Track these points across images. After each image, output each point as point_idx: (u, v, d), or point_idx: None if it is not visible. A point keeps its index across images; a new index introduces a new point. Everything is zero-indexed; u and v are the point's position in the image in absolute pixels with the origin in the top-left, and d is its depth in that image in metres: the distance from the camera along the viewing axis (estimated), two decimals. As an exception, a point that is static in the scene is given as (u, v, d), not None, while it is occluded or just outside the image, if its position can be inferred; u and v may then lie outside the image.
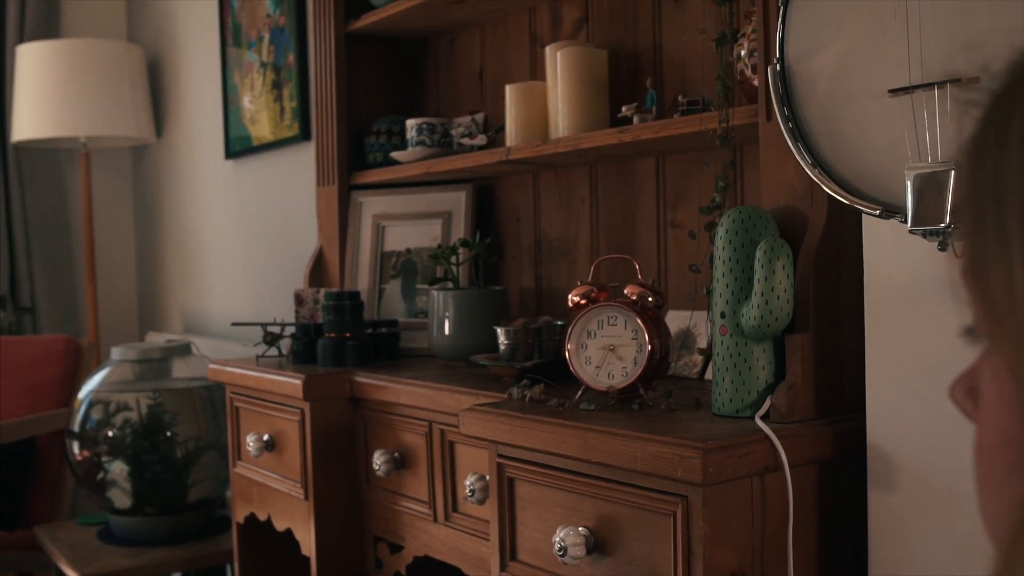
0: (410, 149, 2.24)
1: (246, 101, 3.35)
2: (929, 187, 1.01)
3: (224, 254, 3.56)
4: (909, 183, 1.03)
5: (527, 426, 1.44)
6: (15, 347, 3.40)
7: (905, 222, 1.04)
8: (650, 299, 1.52)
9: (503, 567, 1.52)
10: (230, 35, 3.44)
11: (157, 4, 4.01)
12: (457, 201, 2.29)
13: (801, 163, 1.15)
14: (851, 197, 1.11)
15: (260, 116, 3.27)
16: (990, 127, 0.45)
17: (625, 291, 1.54)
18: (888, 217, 1.07)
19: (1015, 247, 0.41)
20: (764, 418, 1.35)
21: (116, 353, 2.92)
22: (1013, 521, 0.41)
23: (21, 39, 3.90)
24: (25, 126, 3.66)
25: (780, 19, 1.17)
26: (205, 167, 3.67)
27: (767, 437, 1.29)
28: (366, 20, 2.34)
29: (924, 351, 1.23)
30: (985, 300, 0.43)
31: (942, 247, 1.05)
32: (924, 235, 1.03)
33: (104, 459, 2.81)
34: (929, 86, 1.01)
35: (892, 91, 1.05)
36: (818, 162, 1.14)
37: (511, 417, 1.48)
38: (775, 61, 1.17)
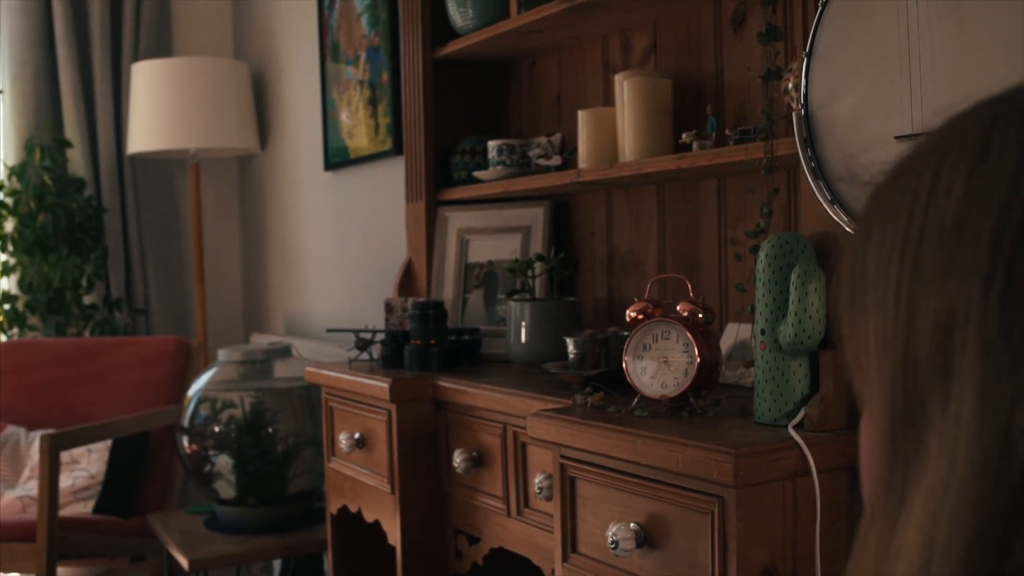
0: (491, 168, 2.41)
1: (344, 116, 3.56)
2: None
3: (322, 261, 3.79)
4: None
5: (585, 430, 1.60)
6: (130, 347, 3.67)
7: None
8: (700, 315, 1.67)
9: (565, 558, 1.68)
10: (329, 53, 3.65)
11: (261, 23, 4.26)
12: (536, 217, 2.46)
13: (820, 199, 1.29)
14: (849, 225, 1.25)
15: (356, 130, 3.47)
16: (862, 218, 0.59)
17: (678, 307, 1.69)
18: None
19: (870, 320, 0.56)
20: (798, 427, 1.49)
21: (222, 354, 3.15)
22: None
23: (136, 58, 4.17)
24: (140, 139, 3.93)
25: (804, 69, 1.30)
26: (305, 178, 3.90)
27: (797, 444, 1.43)
28: (452, 47, 2.51)
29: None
30: (853, 360, 0.58)
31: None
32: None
33: (211, 453, 3.04)
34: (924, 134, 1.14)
35: (898, 137, 1.18)
36: (836, 199, 1.27)
37: (571, 422, 1.64)
38: (799, 107, 1.31)
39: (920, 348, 0.51)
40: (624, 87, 2.07)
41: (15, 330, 3.99)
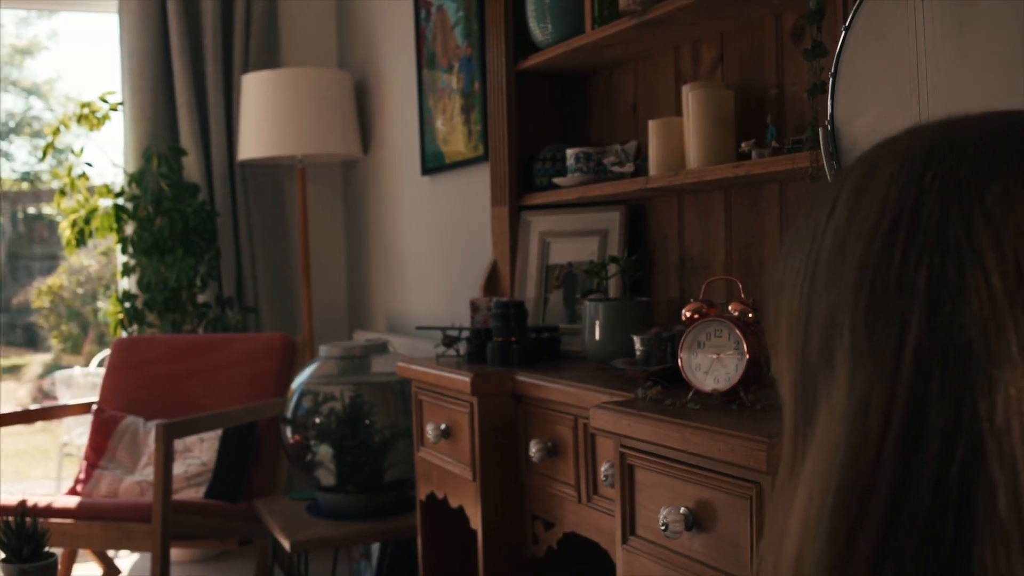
0: (569, 175, 2.56)
1: (439, 123, 3.74)
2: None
3: (420, 261, 3.97)
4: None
5: (641, 422, 1.74)
6: (240, 343, 3.91)
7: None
8: (750, 315, 1.79)
9: (624, 540, 1.82)
10: (425, 62, 3.84)
11: (363, 34, 4.47)
12: (612, 221, 2.60)
13: (844, 209, 1.40)
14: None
15: (451, 137, 3.65)
16: (788, 237, 0.72)
17: (729, 307, 1.81)
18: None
19: (783, 323, 0.69)
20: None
21: (323, 351, 3.35)
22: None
23: (246, 69, 4.42)
24: (250, 146, 4.17)
25: (831, 88, 1.42)
26: (404, 181, 4.10)
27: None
28: (533, 60, 2.66)
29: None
30: (774, 359, 0.71)
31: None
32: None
33: (312, 443, 3.24)
34: (935, 151, 1.26)
35: (910, 153, 1.29)
36: (860, 208, 1.39)
37: (630, 414, 1.77)
38: (826, 123, 1.43)
39: (812, 345, 0.64)
40: (689, 98, 2.19)
41: (134, 327, 4.27)
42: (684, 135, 2.24)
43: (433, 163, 3.80)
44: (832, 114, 1.42)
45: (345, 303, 4.79)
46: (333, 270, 4.78)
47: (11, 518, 2.15)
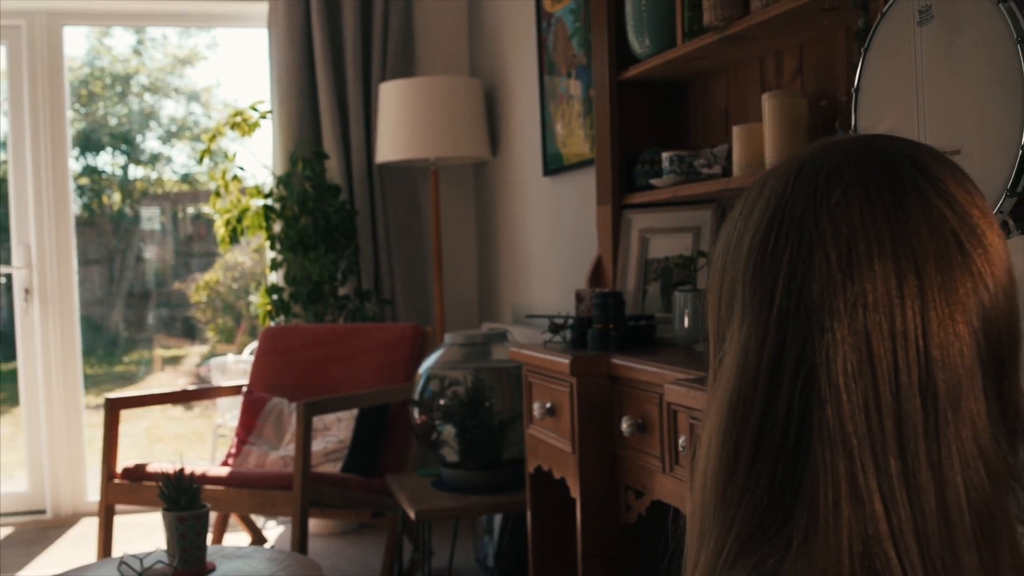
0: (664, 177, 2.81)
1: (559, 127, 4.03)
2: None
3: (541, 256, 4.27)
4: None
5: (704, 395, 1.99)
6: (376, 332, 4.27)
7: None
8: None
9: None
10: (546, 69, 4.13)
11: (492, 43, 4.79)
12: (704, 218, 2.84)
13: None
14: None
15: (569, 140, 3.94)
16: (721, 227, 0.98)
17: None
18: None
19: (711, 293, 0.95)
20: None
21: (448, 338, 3.68)
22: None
23: (384, 78, 4.79)
24: (387, 150, 4.53)
25: (854, 100, 1.65)
26: (528, 182, 4.40)
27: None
28: (633, 71, 2.93)
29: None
30: (710, 323, 0.97)
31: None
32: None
33: (437, 423, 3.57)
34: (930, 157, 1.49)
35: (913, 158, 1.52)
36: (877, 206, 1.62)
37: (698, 389, 2.03)
38: (851, 130, 1.66)
39: (723, 303, 0.91)
40: (767, 105, 2.43)
41: (281, 317, 4.68)
42: (764, 140, 2.48)
43: (553, 164, 4.10)
44: (855, 123, 1.66)
45: (475, 295, 5.13)
46: (464, 265, 5.12)
47: (171, 474, 2.54)
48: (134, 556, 2.54)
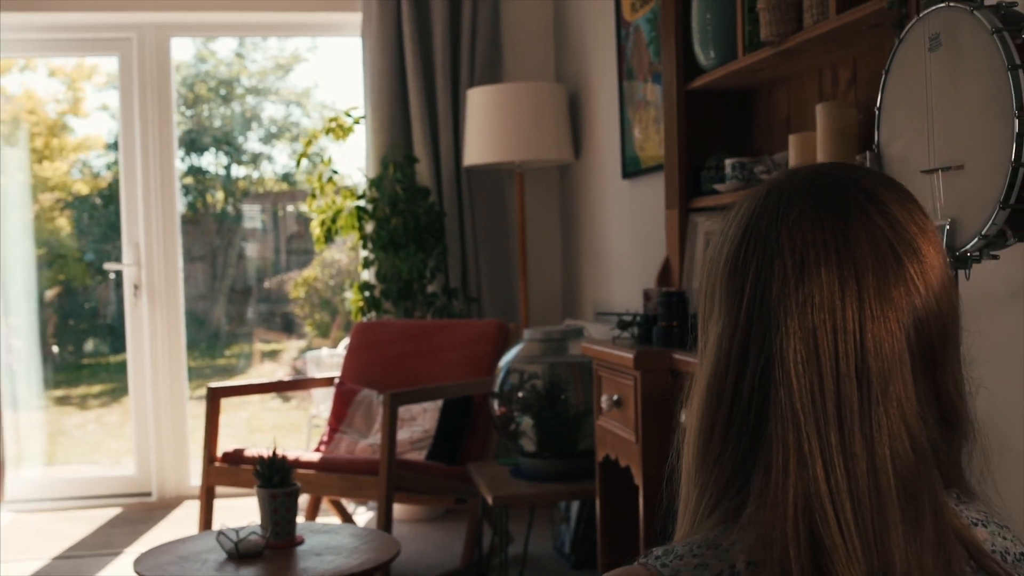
0: (727, 182, 2.99)
1: (636, 131, 4.22)
2: (947, 235, 1.65)
3: (619, 256, 4.47)
4: (931, 231, 1.67)
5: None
6: (462, 328, 4.51)
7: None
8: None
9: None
10: (625, 76, 4.32)
11: (576, 49, 5.00)
12: (765, 221, 3.01)
13: (882, 215, 1.81)
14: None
15: (646, 144, 4.12)
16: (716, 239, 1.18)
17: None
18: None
19: (700, 291, 1.14)
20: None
21: (527, 334, 3.89)
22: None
23: (471, 84, 5.03)
24: (474, 153, 4.76)
25: (877, 118, 1.82)
26: (608, 184, 4.60)
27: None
28: (699, 81, 3.11)
29: (999, 343, 1.83)
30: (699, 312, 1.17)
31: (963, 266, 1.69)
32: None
33: (516, 414, 3.79)
34: (937, 170, 1.65)
35: (924, 171, 1.69)
36: (895, 214, 1.79)
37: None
38: (873, 146, 1.83)
39: (706, 302, 1.10)
40: (820, 115, 2.59)
41: (372, 313, 4.95)
42: (816, 148, 2.64)
43: (631, 168, 4.29)
44: (878, 139, 1.83)
45: (559, 293, 5.34)
46: (548, 264, 5.33)
47: (265, 455, 2.80)
48: (231, 529, 2.81)
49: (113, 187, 6.29)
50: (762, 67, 2.85)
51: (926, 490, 0.96)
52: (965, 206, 1.63)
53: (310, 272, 7.79)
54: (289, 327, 7.83)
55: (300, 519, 3.14)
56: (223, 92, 7.81)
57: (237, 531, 2.78)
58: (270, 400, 7.92)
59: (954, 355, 1.03)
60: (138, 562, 2.73)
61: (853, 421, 0.94)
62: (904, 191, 1.05)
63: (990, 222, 1.57)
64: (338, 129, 5.04)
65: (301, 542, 2.78)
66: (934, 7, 1.69)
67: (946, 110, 1.66)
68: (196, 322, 7.22)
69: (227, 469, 3.95)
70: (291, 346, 7.89)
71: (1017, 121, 1.51)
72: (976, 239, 1.60)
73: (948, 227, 1.65)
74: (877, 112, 1.84)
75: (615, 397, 3.01)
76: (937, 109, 1.67)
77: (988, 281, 1.86)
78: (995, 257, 1.64)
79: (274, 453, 2.83)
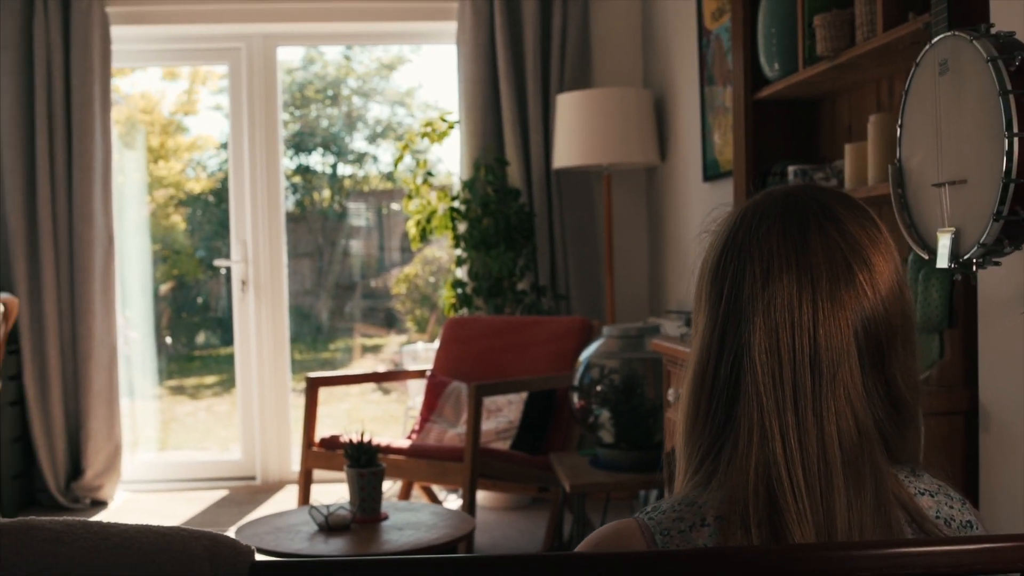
0: (789, 187, 3.18)
1: (716, 136, 4.42)
2: (952, 243, 1.85)
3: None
4: (940, 239, 1.86)
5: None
6: (550, 324, 4.76)
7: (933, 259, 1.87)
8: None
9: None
10: (706, 82, 4.52)
11: (662, 55, 5.21)
12: (826, 225, 3.20)
13: (901, 225, 2.00)
14: (919, 246, 1.95)
15: (724, 148, 4.32)
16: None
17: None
18: (931, 257, 1.90)
19: (693, 292, 1.37)
20: (925, 381, 2.18)
21: (606, 331, 4.12)
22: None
23: (561, 89, 5.27)
24: (563, 156, 5.00)
25: (899, 134, 2.02)
26: (691, 187, 4.80)
27: (910, 391, 2.13)
28: (766, 91, 3.31)
29: (1015, 339, 2.01)
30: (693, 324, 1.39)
31: (968, 270, 1.88)
32: (952, 267, 1.86)
33: (594, 407, 4.02)
34: (944, 184, 1.84)
35: (934, 184, 1.88)
36: (913, 223, 1.98)
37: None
38: (895, 160, 2.02)
39: (696, 301, 1.33)
40: (871, 126, 2.78)
41: (464, 309, 5.23)
42: (867, 157, 2.83)
43: (711, 171, 4.48)
44: (900, 153, 2.02)
45: (645, 292, 5.55)
46: (635, 263, 5.55)
47: (355, 440, 3.09)
48: (323, 505, 3.11)
49: (224, 185, 6.67)
50: (821, 79, 3.04)
51: (868, 461, 1.16)
52: (968, 217, 1.82)
53: (411, 269, 8.07)
54: (390, 322, 8.15)
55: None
56: (330, 93, 8.15)
57: (328, 507, 3.07)
58: (370, 392, 8.27)
59: (902, 351, 1.22)
60: (239, 532, 3.04)
61: (806, 403, 1.15)
62: (862, 211, 1.25)
63: (986, 232, 1.76)
64: (433, 133, 5.33)
65: (385, 518, 3.06)
66: (943, 35, 1.88)
67: (952, 129, 1.85)
68: (300, 316, 7.59)
69: (323, 454, 4.27)
70: (393, 340, 8.19)
71: (1007, 141, 1.70)
72: (976, 247, 1.79)
73: (953, 236, 1.84)
74: (899, 129, 2.03)
75: (680, 390, 3.22)
76: (945, 128, 1.86)
77: (1001, 286, 2.04)
78: (997, 264, 1.83)
79: (362, 437, 3.12)
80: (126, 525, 0.94)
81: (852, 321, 1.18)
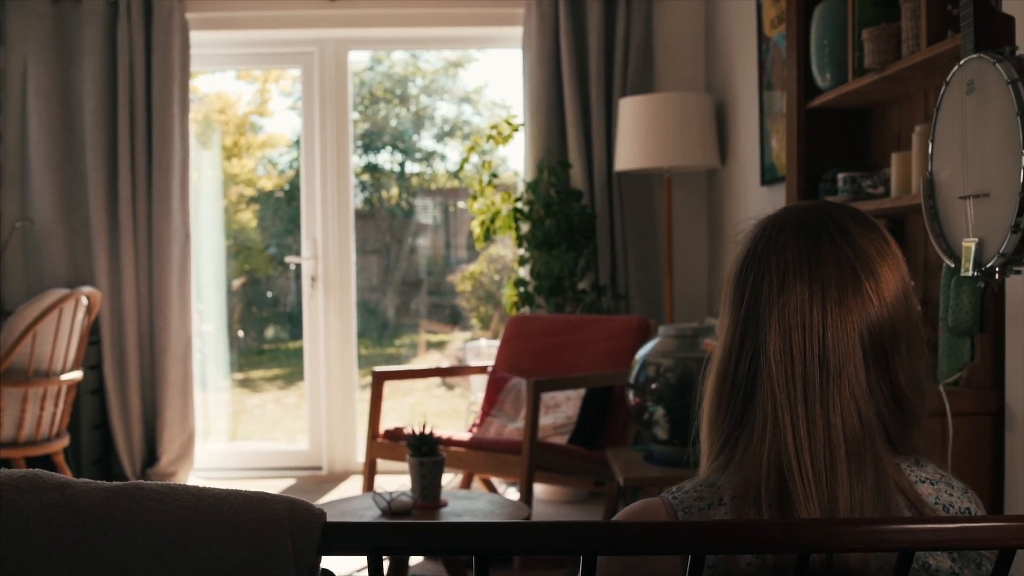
0: (838, 195, 3.31)
1: (773, 141, 4.54)
2: (976, 252, 1.98)
3: (756, 259, 4.79)
4: (964, 247, 2.00)
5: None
6: (606, 323, 4.92)
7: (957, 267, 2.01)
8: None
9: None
10: (764, 88, 4.65)
11: (724, 61, 5.34)
12: (875, 231, 3.32)
13: (931, 234, 2.13)
14: (947, 254, 2.08)
15: (781, 153, 4.44)
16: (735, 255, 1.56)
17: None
18: (956, 265, 2.04)
19: (720, 297, 1.53)
20: (955, 384, 2.31)
21: (662, 330, 4.27)
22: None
23: (624, 93, 5.42)
24: (624, 159, 5.15)
25: (931, 149, 2.15)
26: (749, 190, 4.93)
27: (940, 393, 2.26)
28: (817, 101, 3.44)
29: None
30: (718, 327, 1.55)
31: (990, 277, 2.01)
32: (975, 274, 1.99)
33: (649, 404, 4.18)
34: (969, 197, 1.98)
35: (960, 197, 2.02)
36: (942, 233, 2.11)
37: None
38: (927, 173, 2.16)
39: (721, 304, 1.49)
40: (915, 136, 2.90)
41: (525, 307, 5.40)
42: (911, 166, 2.95)
43: (769, 175, 4.61)
44: (931, 167, 2.15)
45: (704, 292, 5.69)
46: (694, 264, 5.69)
47: (417, 431, 3.28)
48: (386, 492, 3.30)
49: (295, 183, 6.91)
50: (869, 90, 3.16)
51: (869, 451, 1.31)
52: (990, 228, 1.95)
53: (476, 266, 8.24)
54: (456, 319, 8.34)
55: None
56: (398, 92, 8.36)
57: (391, 493, 3.26)
58: (435, 388, 8.48)
59: (906, 354, 1.36)
60: (306, 517, 3.23)
61: (815, 397, 1.30)
62: (872, 226, 1.40)
63: (1005, 243, 1.89)
64: (498, 136, 5.51)
65: (445, 505, 3.24)
66: (970, 57, 2.01)
67: (977, 146, 1.98)
68: (368, 312, 7.81)
69: (387, 444, 4.47)
70: (458, 337, 8.38)
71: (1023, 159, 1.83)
72: (996, 257, 1.92)
73: (977, 245, 1.98)
74: (931, 144, 2.17)
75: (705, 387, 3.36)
76: (970, 145, 2.00)
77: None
78: (1018, 272, 1.96)
79: (424, 428, 3.31)
80: (218, 488, 1.12)
81: (858, 325, 1.32)
